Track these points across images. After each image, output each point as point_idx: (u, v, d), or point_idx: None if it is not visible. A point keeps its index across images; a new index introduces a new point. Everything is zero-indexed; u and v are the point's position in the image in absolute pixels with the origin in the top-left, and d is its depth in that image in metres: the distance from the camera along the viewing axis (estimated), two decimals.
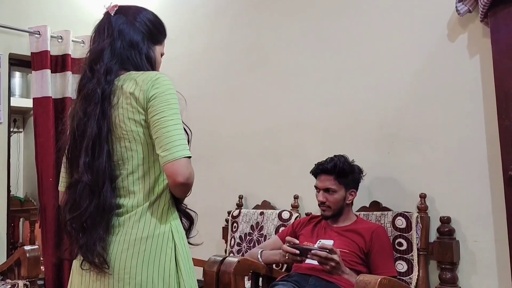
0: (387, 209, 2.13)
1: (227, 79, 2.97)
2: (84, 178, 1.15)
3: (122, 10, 1.29)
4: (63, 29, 3.13)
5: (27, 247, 2.25)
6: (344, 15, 2.42)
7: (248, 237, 2.58)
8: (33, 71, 3.04)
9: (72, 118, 1.23)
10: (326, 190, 2.00)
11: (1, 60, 3.02)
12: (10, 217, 3.36)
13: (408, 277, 1.95)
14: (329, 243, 1.89)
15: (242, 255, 2.45)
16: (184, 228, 1.26)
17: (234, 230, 2.67)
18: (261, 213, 2.59)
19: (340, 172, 1.99)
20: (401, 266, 1.98)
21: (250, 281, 2.04)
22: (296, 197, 2.52)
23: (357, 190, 2.05)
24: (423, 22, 2.12)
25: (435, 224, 2.01)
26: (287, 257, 1.86)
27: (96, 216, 1.15)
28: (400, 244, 2.00)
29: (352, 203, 2.06)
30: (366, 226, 1.99)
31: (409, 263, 1.97)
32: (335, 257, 1.74)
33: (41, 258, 2.44)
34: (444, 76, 2.05)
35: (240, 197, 2.79)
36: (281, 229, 2.38)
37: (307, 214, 2.38)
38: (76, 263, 1.22)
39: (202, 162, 2.86)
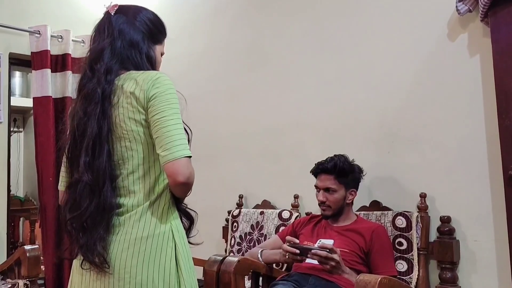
0: (387, 209, 2.13)
1: (227, 79, 2.97)
2: (84, 177, 1.15)
3: (122, 10, 1.29)
4: (63, 29, 3.14)
5: (27, 247, 2.25)
6: (344, 15, 2.41)
7: (248, 236, 2.58)
8: (33, 71, 3.04)
9: (72, 117, 1.23)
10: (326, 189, 2.00)
11: (1, 60, 3.02)
12: (10, 216, 3.37)
13: (408, 276, 1.95)
14: (329, 242, 1.89)
15: (242, 254, 2.45)
16: (184, 228, 1.26)
17: (234, 229, 2.67)
18: (261, 213, 2.59)
19: (340, 172, 1.99)
20: (401, 266, 1.98)
21: (250, 280, 2.04)
22: (296, 197, 2.52)
23: (357, 190, 2.05)
24: (423, 21, 2.12)
25: (435, 223, 2.01)
26: (287, 257, 1.85)
27: (96, 215, 1.15)
28: (400, 244, 2.00)
29: (352, 202, 2.06)
30: (366, 225, 1.99)
31: (409, 263, 1.97)
32: (335, 256, 1.74)
33: (41, 257, 2.44)
34: (444, 75, 2.05)
35: (240, 197, 2.79)
36: (281, 228, 2.39)
37: (307, 214, 2.38)
38: (76, 263, 1.22)
39: (202, 161, 2.86)
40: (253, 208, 2.69)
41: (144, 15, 1.31)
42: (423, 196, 2.03)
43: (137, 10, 1.31)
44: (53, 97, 3.06)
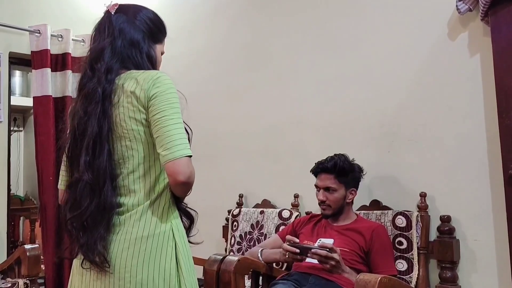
0: (387, 208, 2.13)
1: (227, 78, 2.97)
2: (84, 177, 1.15)
3: (122, 9, 1.29)
4: (63, 28, 3.14)
5: (27, 246, 2.26)
6: (344, 14, 2.41)
7: (248, 236, 2.58)
8: (33, 70, 3.04)
9: (73, 117, 1.23)
10: (326, 189, 2.00)
11: (1, 59, 3.02)
12: (10, 216, 3.36)
13: (408, 276, 1.95)
14: (329, 242, 1.89)
15: (242, 254, 2.45)
16: (184, 227, 1.26)
17: (234, 229, 2.67)
18: (261, 212, 2.59)
19: (340, 171, 1.99)
20: (401, 265, 1.98)
21: (250, 280, 2.04)
22: (296, 196, 2.53)
23: (357, 189, 2.06)
24: (423, 21, 2.12)
25: (435, 223, 2.01)
26: (287, 256, 1.86)
27: (96, 215, 1.15)
28: (400, 243, 2.00)
29: (352, 202, 2.06)
30: (366, 225, 1.99)
31: (409, 262, 1.97)
32: (335, 256, 1.74)
33: (41, 257, 2.45)
34: (444, 75, 2.05)
35: (240, 196, 2.79)
36: (281, 228, 2.39)
37: (307, 213, 2.38)
38: (76, 262, 1.23)
39: (203, 161, 2.86)
40: (253, 208, 2.69)
41: (144, 14, 1.31)
42: (423, 195, 2.03)
43: (137, 9, 1.31)
44: (53, 96, 3.06)
